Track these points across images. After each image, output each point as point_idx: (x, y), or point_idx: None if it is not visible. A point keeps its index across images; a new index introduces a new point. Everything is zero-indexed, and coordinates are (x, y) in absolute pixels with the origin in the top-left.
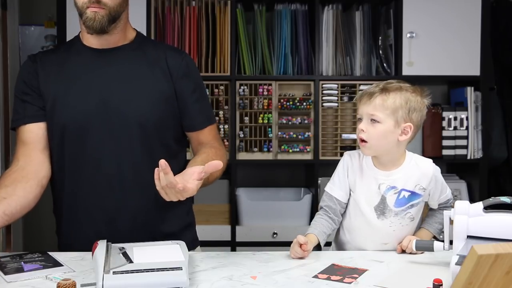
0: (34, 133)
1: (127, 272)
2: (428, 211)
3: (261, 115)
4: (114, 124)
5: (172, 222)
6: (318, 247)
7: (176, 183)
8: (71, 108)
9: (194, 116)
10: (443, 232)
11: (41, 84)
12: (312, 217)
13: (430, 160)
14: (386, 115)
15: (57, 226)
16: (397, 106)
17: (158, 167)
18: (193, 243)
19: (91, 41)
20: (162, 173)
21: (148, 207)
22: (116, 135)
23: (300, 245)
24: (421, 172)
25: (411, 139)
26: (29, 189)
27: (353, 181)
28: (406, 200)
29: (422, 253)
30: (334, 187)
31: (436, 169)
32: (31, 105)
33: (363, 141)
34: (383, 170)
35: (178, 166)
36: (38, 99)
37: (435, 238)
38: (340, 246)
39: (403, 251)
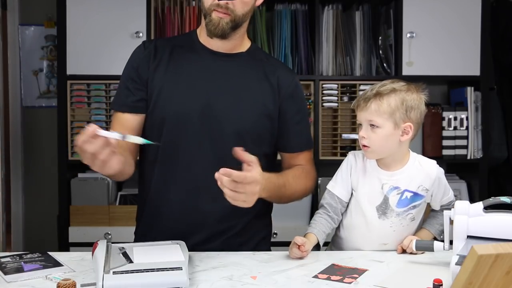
0: (129, 122)
1: (127, 272)
2: (430, 212)
3: None
4: (213, 130)
5: (250, 233)
6: (317, 246)
7: (235, 174)
8: (174, 103)
9: (292, 138)
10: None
11: (150, 71)
12: (312, 217)
13: (434, 162)
14: (384, 119)
15: (138, 214)
16: (393, 108)
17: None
18: None
19: (209, 41)
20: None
21: (230, 216)
22: (212, 140)
23: (298, 246)
24: (424, 173)
25: (414, 137)
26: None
27: (356, 180)
28: (408, 201)
29: (422, 253)
30: (336, 186)
31: (440, 171)
32: (133, 95)
33: (365, 146)
34: (387, 170)
35: None
36: (142, 89)
37: (435, 239)
38: (338, 244)
39: (404, 251)
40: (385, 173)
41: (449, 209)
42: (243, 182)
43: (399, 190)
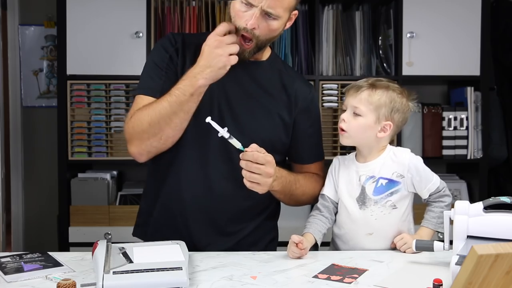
0: None
1: (127, 272)
2: (426, 208)
3: None
4: (227, 123)
5: (260, 234)
6: (315, 247)
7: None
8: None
9: (304, 150)
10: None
11: (179, 67)
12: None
13: (408, 150)
14: (369, 110)
15: (144, 212)
16: (381, 103)
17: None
18: None
19: None
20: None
21: (243, 217)
22: (227, 145)
23: (296, 245)
24: (397, 160)
25: (391, 138)
26: None
27: (337, 178)
28: (384, 187)
29: (418, 252)
30: (325, 187)
31: (415, 158)
32: (169, 81)
33: (343, 130)
34: (363, 163)
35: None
36: (174, 76)
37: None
38: (335, 242)
39: (395, 248)
40: (361, 165)
41: (442, 196)
42: (257, 161)
43: (374, 178)
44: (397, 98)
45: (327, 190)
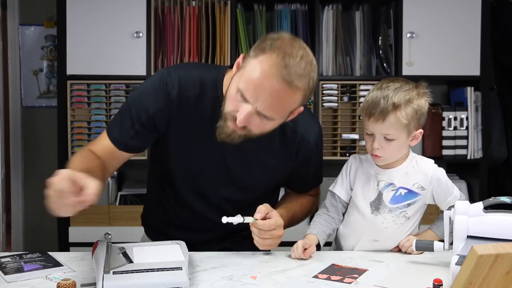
0: (122, 157)
1: (127, 272)
2: (440, 214)
3: None
4: (222, 181)
5: None
6: (317, 247)
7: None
8: (187, 157)
9: (302, 184)
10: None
11: (169, 129)
12: (312, 217)
13: (432, 161)
14: (400, 131)
15: (145, 217)
16: (409, 120)
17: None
18: None
19: None
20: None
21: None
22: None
23: (304, 250)
24: (420, 171)
25: None
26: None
27: (353, 178)
28: (402, 197)
29: (421, 253)
30: (336, 186)
31: (438, 170)
32: (137, 139)
33: (377, 156)
34: (384, 168)
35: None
36: (151, 135)
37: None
38: (338, 241)
39: (401, 250)
40: (382, 171)
41: None
42: (269, 229)
43: (394, 186)
44: (420, 103)
45: (339, 189)
